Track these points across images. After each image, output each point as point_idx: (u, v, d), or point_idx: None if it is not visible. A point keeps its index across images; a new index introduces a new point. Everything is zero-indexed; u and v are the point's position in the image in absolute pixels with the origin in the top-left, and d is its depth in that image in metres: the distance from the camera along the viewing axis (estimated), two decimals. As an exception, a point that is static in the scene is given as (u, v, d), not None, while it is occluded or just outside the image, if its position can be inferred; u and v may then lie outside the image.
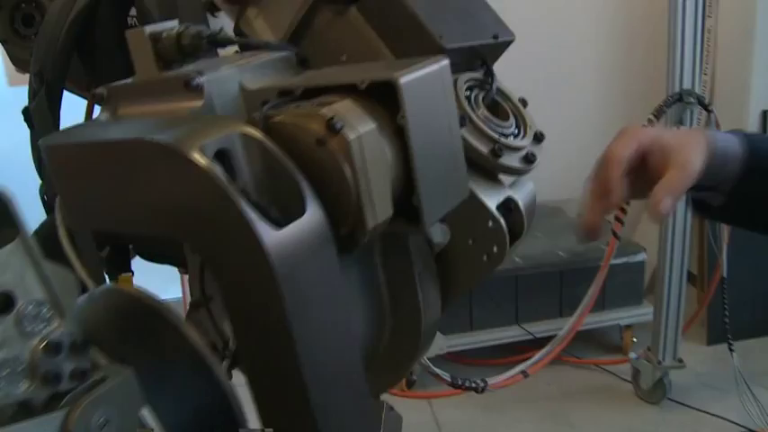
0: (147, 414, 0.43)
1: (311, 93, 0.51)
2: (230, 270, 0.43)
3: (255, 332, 0.44)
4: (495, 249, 0.63)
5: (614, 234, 2.60)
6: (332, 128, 0.45)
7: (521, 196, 0.66)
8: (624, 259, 3.03)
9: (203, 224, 0.42)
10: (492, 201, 0.63)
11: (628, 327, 3.18)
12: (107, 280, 0.84)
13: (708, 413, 2.72)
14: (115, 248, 0.87)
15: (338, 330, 0.47)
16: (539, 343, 2.87)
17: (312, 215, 0.44)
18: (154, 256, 0.79)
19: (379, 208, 0.47)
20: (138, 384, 0.42)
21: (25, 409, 0.40)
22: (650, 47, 3.30)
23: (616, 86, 3.55)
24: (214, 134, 0.43)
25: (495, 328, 3.04)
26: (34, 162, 0.98)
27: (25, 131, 0.99)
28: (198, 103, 0.51)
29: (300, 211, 0.44)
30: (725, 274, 2.79)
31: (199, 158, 0.41)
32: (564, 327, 2.76)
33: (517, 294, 3.06)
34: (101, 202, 0.49)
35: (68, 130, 0.54)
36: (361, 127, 0.46)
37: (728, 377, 2.75)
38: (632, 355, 2.93)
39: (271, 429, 0.46)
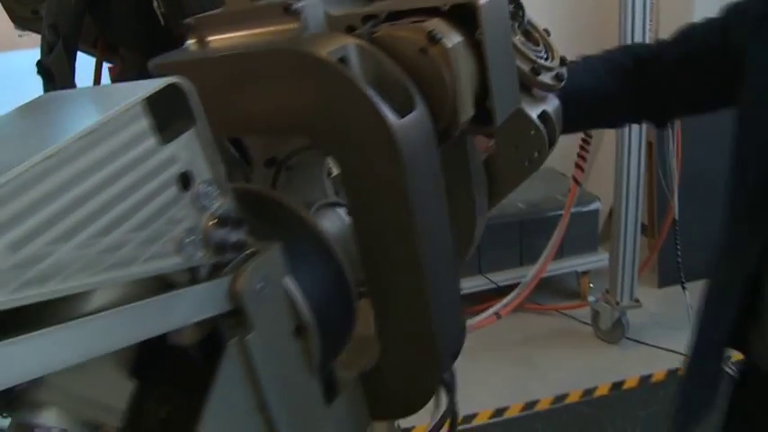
0: (289, 282, 0.50)
1: (394, 16, 0.58)
2: (358, 153, 0.50)
3: (376, 213, 0.52)
4: (536, 155, 0.72)
5: (576, 181, 2.73)
6: (433, 38, 0.52)
7: (552, 110, 0.75)
8: (579, 208, 3.18)
9: (334, 117, 0.50)
10: (533, 112, 0.72)
11: (585, 273, 3.35)
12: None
13: (663, 348, 2.91)
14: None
15: (441, 215, 0.55)
16: (501, 291, 3.01)
17: (421, 111, 0.52)
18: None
19: (466, 108, 0.56)
20: (283, 257, 0.50)
21: (195, 276, 0.47)
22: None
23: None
24: (335, 44, 0.51)
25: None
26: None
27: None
28: (297, 26, 0.58)
29: (410, 107, 0.51)
30: (676, 216, 2.96)
31: (331, 60, 0.49)
32: (526, 275, 2.90)
33: (480, 245, 3.17)
34: (217, 112, 0.56)
35: (171, 54, 0.60)
36: (454, 39, 0.54)
37: (679, 316, 2.94)
38: (591, 298, 3.09)
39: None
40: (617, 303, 2.95)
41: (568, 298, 3.39)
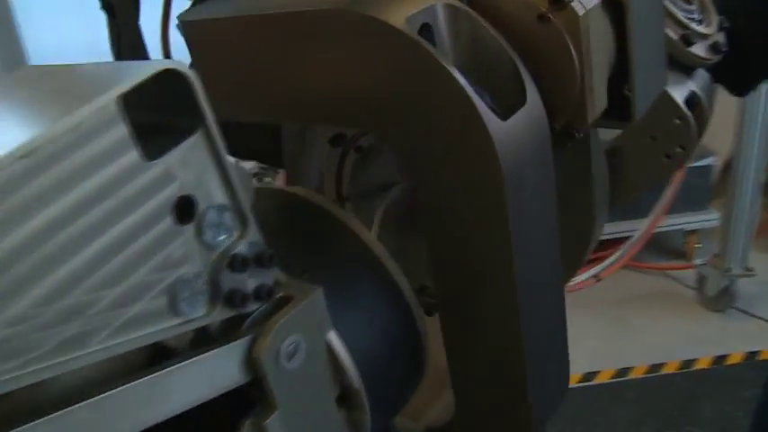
0: (333, 338, 0.37)
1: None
2: (439, 159, 0.35)
3: (459, 235, 0.37)
4: (678, 149, 0.54)
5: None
6: (558, 0, 0.36)
7: (701, 89, 0.57)
8: (692, 162, 2.90)
9: (409, 107, 0.35)
10: (678, 94, 0.54)
11: (692, 232, 3.09)
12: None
13: (774, 322, 2.66)
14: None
15: (551, 240, 0.40)
16: (602, 245, 2.81)
17: (534, 105, 0.36)
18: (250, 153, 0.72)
19: (597, 98, 0.39)
20: (325, 304, 0.36)
21: (201, 335, 0.34)
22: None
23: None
24: (416, 5, 0.35)
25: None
26: (113, 53, 0.92)
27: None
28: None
29: (518, 99, 0.36)
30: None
31: (407, 31, 0.33)
32: (629, 229, 2.69)
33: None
34: (254, 88, 0.42)
35: (202, 6, 0.46)
36: (587, 1, 0.37)
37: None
38: (698, 261, 2.85)
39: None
40: (727, 270, 2.69)
41: (673, 258, 3.14)
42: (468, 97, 0.32)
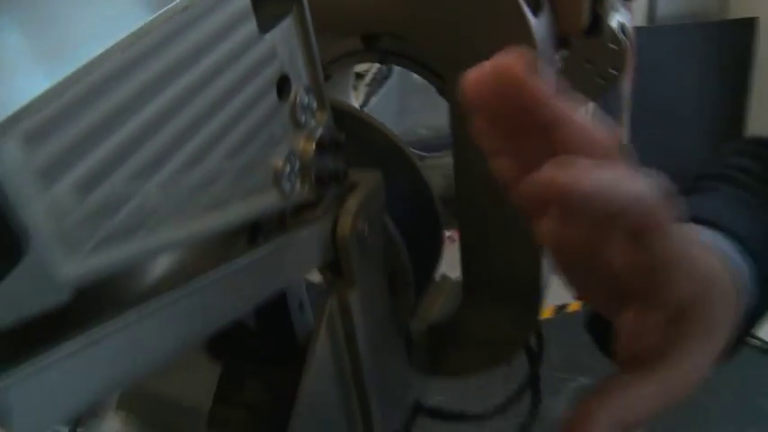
0: (389, 222, 0.39)
1: None
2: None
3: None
4: (612, 71, 0.62)
5: None
6: None
7: (628, 22, 0.65)
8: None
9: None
10: (614, 23, 0.61)
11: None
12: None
13: None
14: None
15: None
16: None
17: (549, 8, 0.40)
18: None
19: (586, 9, 0.45)
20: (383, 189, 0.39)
21: (278, 220, 0.35)
22: None
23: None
24: None
25: None
26: None
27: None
28: None
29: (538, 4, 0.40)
30: None
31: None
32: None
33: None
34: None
35: None
36: None
37: None
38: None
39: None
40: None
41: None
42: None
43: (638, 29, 3.20)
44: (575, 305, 2.86)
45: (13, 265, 0.18)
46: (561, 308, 2.85)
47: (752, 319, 0.38)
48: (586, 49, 0.62)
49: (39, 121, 0.19)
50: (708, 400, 2.35)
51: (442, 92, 0.45)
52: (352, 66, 0.58)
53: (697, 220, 0.39)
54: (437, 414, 0.51)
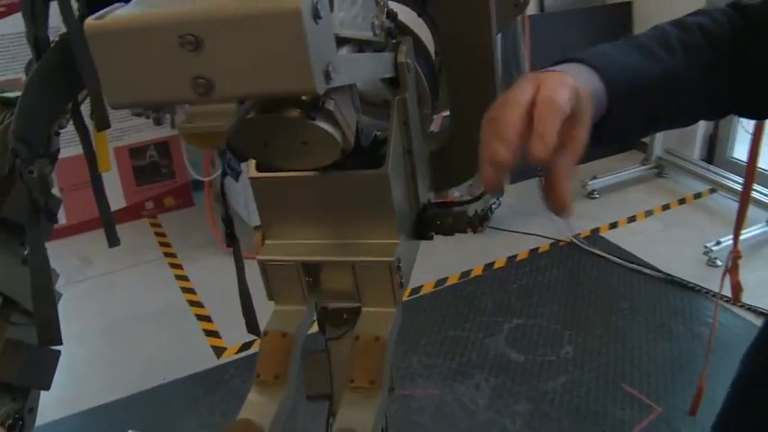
0: (415, 62, 0.72)
1: None
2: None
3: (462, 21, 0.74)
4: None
5: None
6: None
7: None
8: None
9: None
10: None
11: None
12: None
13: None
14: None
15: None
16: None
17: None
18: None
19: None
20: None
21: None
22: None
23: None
24: None
25: None
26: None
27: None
28: None
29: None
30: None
31: None
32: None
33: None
34: None
35: None
36: None
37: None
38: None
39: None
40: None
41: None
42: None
43: (531, 16, 3.66)
44: (500, 261, 3.23)
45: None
46: (489, 265, 3.22)
47: (606, 122, 0.76)
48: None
49: None
50: (625, 325, 2.76)
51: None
52: None
53: (584, 60, 0.77)
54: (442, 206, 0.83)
